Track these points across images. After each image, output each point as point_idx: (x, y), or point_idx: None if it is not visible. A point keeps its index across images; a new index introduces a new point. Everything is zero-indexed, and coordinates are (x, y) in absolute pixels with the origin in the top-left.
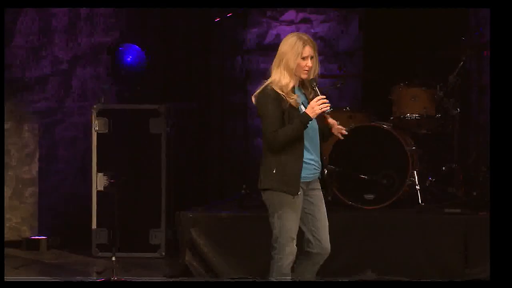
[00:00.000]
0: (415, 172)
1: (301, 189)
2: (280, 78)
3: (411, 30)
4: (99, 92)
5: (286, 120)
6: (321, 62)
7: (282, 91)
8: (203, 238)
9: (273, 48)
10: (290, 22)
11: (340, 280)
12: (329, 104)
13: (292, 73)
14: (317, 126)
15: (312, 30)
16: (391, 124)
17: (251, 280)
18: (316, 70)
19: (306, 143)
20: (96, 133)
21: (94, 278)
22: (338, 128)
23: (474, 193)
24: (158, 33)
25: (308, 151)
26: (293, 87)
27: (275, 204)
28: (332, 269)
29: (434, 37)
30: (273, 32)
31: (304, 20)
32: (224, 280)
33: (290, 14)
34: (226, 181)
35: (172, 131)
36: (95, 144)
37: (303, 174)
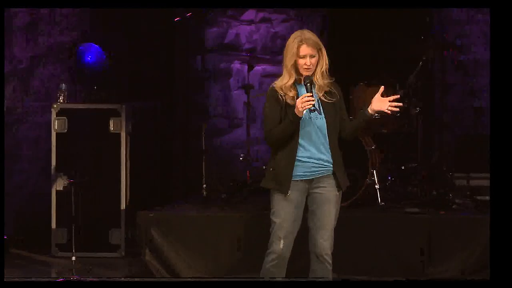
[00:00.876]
0: (374, 171)
1: (298, 188)
2: (282, 76)
3: (373, 29)
4: (59, 91)
5: (282, 117)
6: (281, 62)
7: (282, 89)
8: (163, 237)
9: (233, 47)
10: (250, 22)
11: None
12: (312, 102)
13: (290, 71)
14: (322, 124)
15: (272, 30)
16: None
17: (211, 279)
18: (323, 67)
19: (302, 141)
20: (55, 132)
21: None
22: (390, 105)
23: (434, 192)
24: (121, 33)
25: (305, 149)
26: (294, 84)
27: (271, 202)
28: (294, 269)
29: (397, 36)
30: (232, 31)
31: (264, 20)
32: (184, 279)
33: (250, 14)
34: (183, 180)
35: (134, 130)
36: (55, 143)
37: (299, 173)
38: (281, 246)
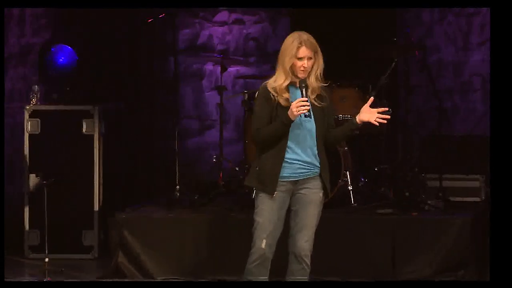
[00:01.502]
0: (347, 172)
1: (283, 188)
2: (276, 77)
3: (341, 30)
4: (29, 93)
5: (273, 118)
6: (254, 63)
7: (275, 90)
8: (136, 239)
9: (206, 49)
10: (223, 23)
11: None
12: (308, 107)
13: (288, 73)
14: (312, 127)
15: (245, 31)
16: None
17: (181, 280)
18: (318, 70)
19: (290, 143)
20: (28, 134)
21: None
22: (378, 116)
23: (407, 194)
24: (86, 34)
25: (292, 151)
26: (288, 86)
27: (255, 201)
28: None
29: (363, 37)
30: (205, 33)
31: (237, 21)
32: (157, 280)
33: (223, 15)
34: (156, 182)
35: (106, 132)
36: (27, 145)
37: (285, 174)
38: (263, 245)
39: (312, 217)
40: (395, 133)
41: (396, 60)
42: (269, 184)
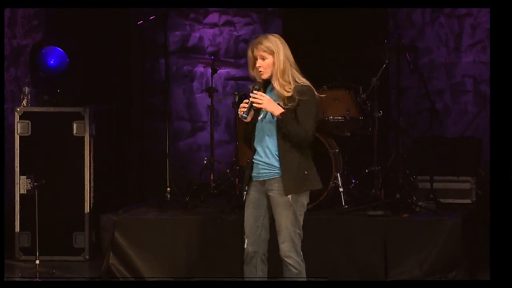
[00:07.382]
0: (338, 174)
1: (255, 188)
2: None
3: (332, 31)
4: (22, 95)
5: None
6: (244, 65)
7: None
8: (127, 240)
9: (196, 50)
10: (213, 25)
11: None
12: (243, 109)
13: (253, 74)
14: (270, 128)
15: (236, 33)
16: None
17: (173, 280)
18: (278, 71)
19: (255, 144)
20: (18, 135)
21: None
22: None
23: (398, 195)
24: (77, 35)
25: (257, 152)
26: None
27: None
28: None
29: (355, 39)
30: (196, 34)
31: (228, 23)
32: (148, 280)
33: (213, 17)
34: (147, 183)
35: (97, 133)
36: (18, 146)
37: (253, 173)
38: (245, 245)
39: (284, 219)
40: (387, 135)
41: (387, 61)
42: (244, 184)
